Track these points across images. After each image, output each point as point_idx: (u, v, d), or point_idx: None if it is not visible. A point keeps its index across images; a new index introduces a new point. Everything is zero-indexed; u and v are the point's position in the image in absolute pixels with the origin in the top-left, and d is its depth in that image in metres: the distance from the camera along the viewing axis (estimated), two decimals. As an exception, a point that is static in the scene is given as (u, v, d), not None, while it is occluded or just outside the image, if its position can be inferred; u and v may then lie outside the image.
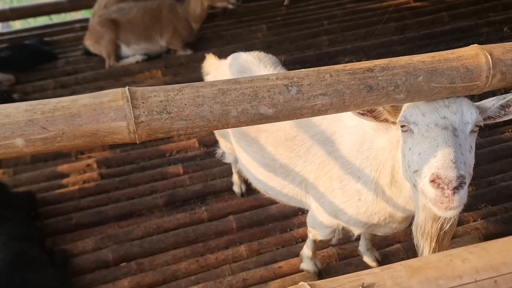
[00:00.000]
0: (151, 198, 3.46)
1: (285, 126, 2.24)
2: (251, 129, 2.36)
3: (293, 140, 2.21)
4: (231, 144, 2.72)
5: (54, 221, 3.30)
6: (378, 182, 1.93)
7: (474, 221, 3.10)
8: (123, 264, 3.00)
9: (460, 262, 1.03)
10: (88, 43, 5.38)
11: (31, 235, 2.97)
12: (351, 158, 2.01)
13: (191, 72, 4.95)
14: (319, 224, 2.35)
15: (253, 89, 1.23)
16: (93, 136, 1.15)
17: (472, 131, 1.49)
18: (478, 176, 3.42)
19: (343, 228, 2.32)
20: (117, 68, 5.20)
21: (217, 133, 2.98)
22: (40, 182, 3.69)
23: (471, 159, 1.46)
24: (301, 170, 2.21)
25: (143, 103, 1.17)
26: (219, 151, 3.26)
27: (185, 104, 1.19)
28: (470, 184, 1.35)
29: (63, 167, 3.82)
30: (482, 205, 3.23)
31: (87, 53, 5.47)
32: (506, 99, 1.53)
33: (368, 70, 1.31)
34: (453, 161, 1.35)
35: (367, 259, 2.86)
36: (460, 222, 3.07)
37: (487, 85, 1.41)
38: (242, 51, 2.72)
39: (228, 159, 3.20)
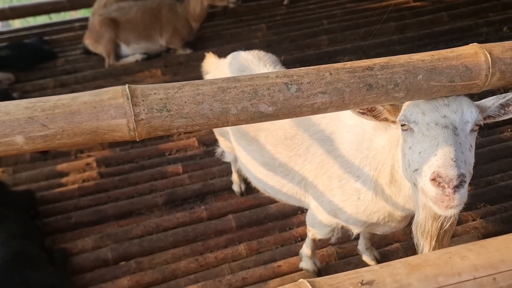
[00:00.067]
0: (151, 197, 3.46)
1: (285, 125, 2.25)
2: (251, 128, 2.37)
3: (293, 139, 2.21)
4: (231, 143, 2.72)
5: (54, 220, 3.31)
6: (377, 181, 1.93)
7: (473, 220, 3.11)
8: (122, 263, 3.00)
9: (459, 259, 1.03)
10: (88, 42, 5.38)
11: (31, 233, 2.97)
12: (350, 157, 2.01)
13: (190, 71, 4.95)
14: (319, 223, 2.35)
15: (253, 87, 1.23)
16: (93, 133, 1.15)
17: (472, 130, 1.49)
18: (477, 175, 3.43)
19: (342, 227, 2.32)
20: (117, 67, 5.20)
21: (216, 132, 2.99)
22: (39, 181, 3.69)
23: (471, 158, 1.47)
24: (301, 169, 2.21)
25: (143, 100, 1.17)
26: (218, 150, 3.27)
27: (185, 102, 1.19)
28: (469, 184, 1.35)
29: (62, 166, 3.82)
30: (481, 205, 3.24)
31: (87, 52, 5.47)
32: (506, 98, 1.54)
33: (367, 69, 1.31)
34: (454, 159, 1.35)
35: (366, 258, 2.86)
36: (459, 221, 3.07)
37: (486, 83, 1.41)
38: (241, 50, 2.72)
39: (227, 158, 3.20)
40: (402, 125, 1.57)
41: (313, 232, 2.48)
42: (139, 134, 1.19)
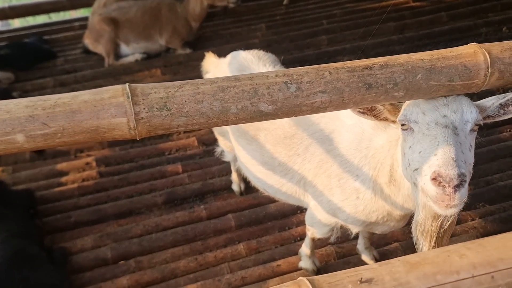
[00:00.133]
0: (150, 197, 3.46)
1: (284, 125, 2.25)
2: (250, 127, 2.37)
3: (292, 138, 2.22)
4: (230, 143, 2.72)
5: (53, 219, 3.31)
6: (376, 181, 1.94)
7: (472, 220, 3.12)
8: (122, 262, 3.00)
9: (457, 257, 1.04)
10: (88, 41, 5.38)
11: (30, 233, 2.97)
12: (349, 157, 2.01)
13: (190, 71, 4.95)
14: (318, 222, 2.35)
15: (253, 86, 1.24)
16: (94, 132, 1.15)
17: (472, 130, 1.49)
18: (476, 175, 3.43)
19: (342, 227, 2.32)
20: (117, 67, 5.21)
21: (216, 131, 2.99)
22: (39, 180, 3.70)
23: (471, 158, 1.47)
24: (300, 168, 2.22)
25: (143, 99, 1.17)
26: (218, 150, 3.27)
27: (185, 101, 1.20)
28: (469, 184, 1.36)
29: (62, 165, 3.82)
30: (480, 205, 3.24)
31: (87, 51, 5.47)
32: (506, 98, 1.54)
33: (367, 68, 1.31)
34: (454, 159, 1.36)
35: (366, 257, 2.87)
36: (458, 221, 3.08)
37: (485, 83, 1.41)
38: (241, 50, 2.72)
39: (227, 157, 3.20)
40: (402, 125, 1.57)
41: (312, 231, 2.48)
42: (139, 133, 1.19)
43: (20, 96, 4.61)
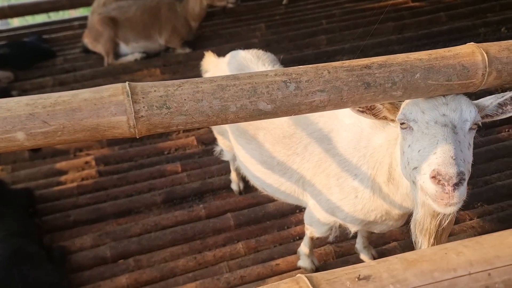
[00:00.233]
0: (149, 196, 3.47)
1: (283, 124, 2.26)
2: (250, 127, 2.38)
3: (291, 137, 2.22)
4: (230, 142, 2.73)
5: (52, 218, 3.31)
6: (375, 180, 1.95)
7: (470, 219, 3.12)
8: (121, 261, 3.01)
9: (454, 255, 1.05)
10: (87, 41, 5.38)
11: (30, 231, 2.98)
12: (348, 156, 2.02)
13: (189, 70, 4.96)
14: (316, 222, 2.36)
15: (252, 85, 1.24)
16: (94, 130, 1.16)
17: (471, 129, 1.50)
18: (474, 175, 3.44)
19: (340, 226, 2.33)
20: (116, 66, 5.21)
21: (215, 130, 3.00)
22: (38, 179, 3.70)
23: (469, 156, 1.48)
24: (299, 167, 2.22)
25: (143, 98, 1.18)
26: (217, 149, 3.28)
27: (185, 100, 1.20)
28: (467, 183, 1.36)
29: (61, 164, 3.83)
30: (479, 204, 3.25)
31: (86, 51, 5.47)
32: (504, 98, 1.55)
33: (365, 67, 1.32)
34: (453, 158, 1.37)
35: (364, 256, 2.88)
36: (457, 220, 3.09)
37: (483, 83, 1.42)
38: (240, 49, 2.73)
39: (226, 157, 3.21)
40: (401, 124, 1.58)
41: (311, 230, 2.49)
42: (139, 131, 1.20)
43: (19, 95, 4.60)
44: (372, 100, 1.36)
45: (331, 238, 2.51)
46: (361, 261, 2.87)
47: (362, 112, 1.62)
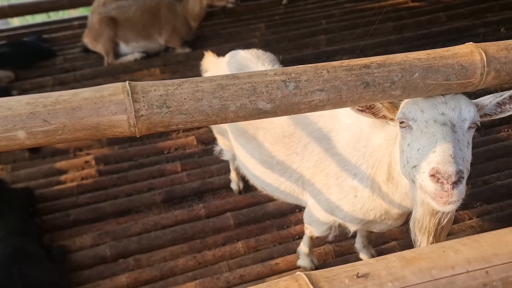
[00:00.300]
0: (149, 195, 3.47)
1: (283, 124, 2.26)
2: (249, 126, 2.38)
3: (291, 137, 2.23)
4: (229, 141, 2.74)
5: (52, 217, 3.32)
6: (374, 179, 1.95)
7: (470, 219, 3.13)
8: (120, 260, 3.01)
9: (452, 253, 1.06)
10: (87, 40, 5.39)
11: (29, 231, 2.98)
12: (347, 155, 2.03)
13: (189, 70, 4.96)
14: (316, 221, 2.37)
15: (252, 84, 1.25)
16: (94, 129, 1.17)
17: (469, 128, 1.51)
18: (473, 175, 3.45)
19: (340, 225, 2.34)
20: (116, 66, 5.22)
21: (215, 130, 3.00)
22: (38, 179, 3.70)
23: (468, 155, 1.49)
24: (298, 167, 2.23)
25: (143, 97, 1.18)
26: (217, 149, 3.29)
27: (185, 99, 1.21)
28: (466, 183, 1.37)
29: (61, 164, 3.83)
30: (478, 204, 3.26)
31: (86, 50, 5.48)
32: (503, 97, 1.56)
33: (364, 67, 1.33)
34: (452, 156, 1.38)
35: (363, 256, 2.88)
36: (456, 220, 3.10)
37: (482, 82, 1.43)
38: (240, 49, 2.74)
39: (226, 156, 3.21)
40: (400, 123, 1.59)
41: (311, 230, 2.50)
42: (139, 130, 1.21)
43: (20, 95, 4.61)
44: (371, 100, 1.37)
45: (330, 238, 2.51)
46: (361, 260, 2.87)
47: (362, 111, 1.63)
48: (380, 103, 1.62)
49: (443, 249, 1.06)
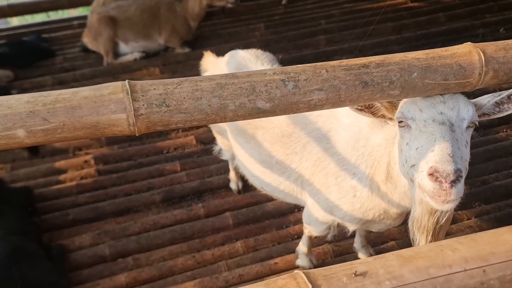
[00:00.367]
0: (148, 195, 3.47)
1: (282, 123, 2.27)
2: (248, 126, 2.39)
3: (290, 137, 2.23)
4: (228, 141, 2.74)
5: (52, 217, 3.32)
6: (373, 179, 1.96)
7: (468, 219, 3.14)
8: (120, 259, 3.01)
9: (450, 252, 1.06)
10: (86, 40, 5.39)
11: (29, 230, 2.99)
12: (346, 155, 2.03)
13: (189, 70, 4.97)
14: (315, 220, 2.37)
15: (251, 84, 1.25)
16: (93, 128, 1.17)
17: (468, 127, 1.52)
18: (472, 175, 3.46)
19: (338, 225, 2.34)
20: (115, 66, 5.22)
21: (214, 130, 3.01)
22: (37, 178, 3.70)
23: (467, 154, 1.50)
24: (297, 166, 2.23)
25: (142, 96, 1.19)
26: (216, 148, 3.29)
27: (184, 98, 1.21)
28: (465, 183, 1.37)
29: (60, 163, 3.83)
30: (476, 204, 3.27)
31: (85, 50, 5.48)
32: (501, 96, 1.57)
33: (363, 66, 1.33)
34: (451, 155, 1.38)
35: (362, 255, 2.89)
36: (454, 220, 3.10)
37: (480, 82, 1.43)
38: (240, 49, 2.74)
39: (225, 156, 3.22)
40: (399, 122, 1.59)
41: (310, 229, 2.50)
42: (139, 129, 1.21)
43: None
44: (369, 99, 1.37)
45: (329, 237, 2.52)
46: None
47: (361, 110, 1.63)
48: (379, 103, 1.62)
49: (441, 248, 1.07)
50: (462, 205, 3.18)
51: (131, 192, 3.53)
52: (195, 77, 1.26)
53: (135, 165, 3.81)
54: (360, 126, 2.00)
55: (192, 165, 3.76)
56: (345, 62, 1.34)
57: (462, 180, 1.39)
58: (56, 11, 7.29)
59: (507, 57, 1.43)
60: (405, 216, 2.06)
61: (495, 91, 1.75)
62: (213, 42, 5.57)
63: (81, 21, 6.11)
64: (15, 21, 7.57)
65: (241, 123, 2.40)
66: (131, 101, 1.17)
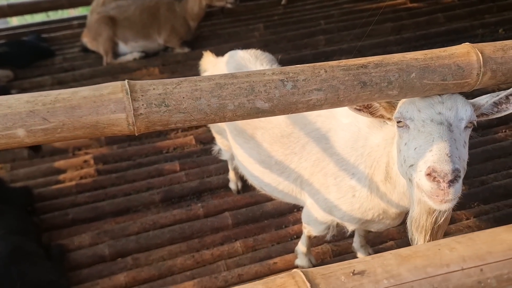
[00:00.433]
0: (148, 195, 3.48)
1: (281, 123, 2.27)
2: (248, 126, 2.39)
3: (289, 137, 2.24)
4: (228, 141, 2.74)
5: (51, 216, 3.32)
6: (372, 179, 1.96)
7: (467, 219, 3.14)
8: (119, 259, 3.02)
9: (448, 251, 1.07)
10: (86, 40, 5.39)
11: (28, 229, 2.99)
12: (345, 155, 2.04)
13: (188, 70, 4.97)
14: (314, 220, 2.38)
15: (250, 84, 1.26)
16: (93, 127, 1.17)
17: (466, 127, 1.52)
18: (471, 175, 3.47)
19: (338, 225, 2.35)
20: (115, 65, 5.22)
21: (213, 130, 3.01)
22: (37, 178, 3.71)
23: (465, 154, 1.50)
24: (296, 166, 2.24)
25: (142, 96, 1.19)
26: (215, 148, 3.30)
27: (183, 98, 1.22)
28: (463, 183, 1.38)
29: (60, 163, 3.84)
30: (475, 204, 3.27)
31: (85, 50, 5.48)
32: (499, 96, 1.57)
33: (362, 67, 1.34)
34: (449, 155, 1.39)
35: (361, 255, 2.89)
36: (453, 220, 3.11)
37: (478, 82, 1.44)
38: (239, 49, 2.75)
39: (224, 156, 3.22)
40: (398, 122, 1.60)
41: (309, 229, 2.51)
42: (138, 129, 1.21)
43: (18, 94, 4.61)
44: (368, 99, 1.38)
45: (328, 237, 2.52)
46: (358, 260, 2.89)
47: (359, 110, 1.64)
48: (378, 103, 1.63)
49: (439, 247, 1.08)
50: (461, 205, 3.20)
51: (130, 192, 3.54)
52: (194, 77, 1.27)
53: (135, 165, 3.81)
54: (359, 126, 2.00)
55: (192, 165, 3.77)
56: (343, 62, 1.35)
57: (460, 180, 1.39)
58: (56, 11, 7.29)
59: (505, 58, 1.43)
60: (404, 216, 2.07)
61: (494, 91, 1.75)
62: (212, 42, 5.57)
63: (81, 21, 6.11)
64: (14, 21, 7.57)
65: (240, 123, 2.41)
66: (130, 101, 1.17)
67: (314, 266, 2.83)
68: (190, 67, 4.92)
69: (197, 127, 4.13)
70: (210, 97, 1.23)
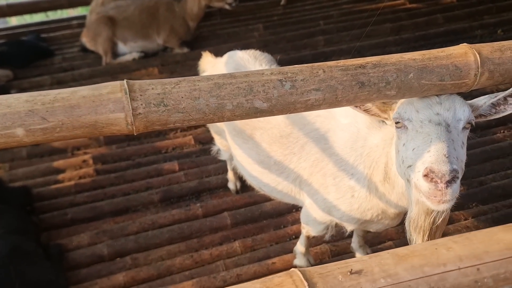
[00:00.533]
0: (147, 194, 3.48)
1: (280, 124, 2.28)
2: (247, 126, 2.39)
3: (288, 137, 2.24)
4: (227, 141, 2.75)
5: (50, 216, 3.32)
6: (371, 179, 1.97)
7: (465, 219, 3.15)
8: (118, 259, 3.02)
9: (444, 250, 1.07)
10: (85, 40, 5.39)
11: (27, 229, 2.99)
12: (345, 155, 2.04)
13: (187, 70, 4.98)
14: (313, 221, 2.38)
15: (248, 84, 1.26)
16: (92, 127, 1.18)
17: (464, 128, 1.53)
18: (469, 176, 3.47)
19: (336, 225, 2.35)
20: (114, 65, 5.22)
21: (212, 130, 3.01)
22: (36, 177, 3.71)
23: (463, 155, 1.51)
24: (295, 167, 2.24)
25: (141, 95, 1.20)
26: (214, 148, 3.30)
27: (182, 97, 1.22)
28: (462, 184, 1.38)
29: (59, 163, 3.84)
30: (473, 205, 3.28)
31: (84, 50, 5.48)
32: (497, 98, 1.58)
33: (360, 67, 1.34)
34: (446, 155, 1.39)
35: (359, 255, 2.90)
36: (451, 220, 3.12)
37: (476, 83, 1.44)
38: (238, 49, 2.75)
39: (223, 156, 3.23)
40: (396, 123, 1.60)
41: (307, 229, 2.51)
42: (137, 128, 1.22)
43: (18, 94, 4.61)
44: (366, 99, 1.38)
45: (327, 237, 2.53)
46: (357, 260, 2.89)
47: (356, 106, 1.65)
48: (372, 103, 1.63)
49: (436, 247, 1.08)
50: (459, 206, 3.21)
51: (129, 192, 3.54)
52: (193, 77, 1.27)
53: (134, 164, 3.81)
54: (358, 126, 2.01)
55: (191, 165, 3.77)
56: (342, 62, 1.35)
57: (458, 181, 1.40)
58: (55, 11, 7.28)
59: (502, 58, 1.44)
60: (403, 216, 2.07)
61: (492, 92, 1.76)
62: (211, 43, 5.58)
63: (80, 21, 6.11)
64: (14, 21, 7.56)
65: (239, 123, 2.41)
66: (129, 100, 1.18)
67: (312, 266, 2.83)
68: (189, 67, 4.93)
69: (196, 127, 4.13)
70: (209, 97, 1.23)
